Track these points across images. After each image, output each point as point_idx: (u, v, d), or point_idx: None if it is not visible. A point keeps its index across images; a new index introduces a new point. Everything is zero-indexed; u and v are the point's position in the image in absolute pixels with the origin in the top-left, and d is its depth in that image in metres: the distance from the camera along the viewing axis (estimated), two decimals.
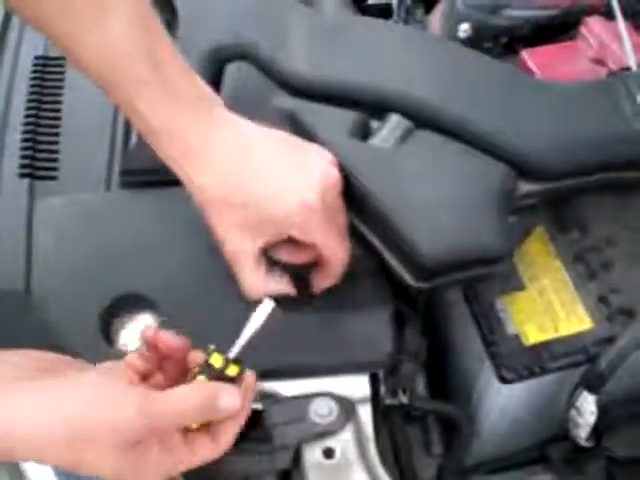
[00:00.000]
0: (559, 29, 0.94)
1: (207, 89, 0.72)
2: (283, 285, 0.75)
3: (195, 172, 0.70)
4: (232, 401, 0.61)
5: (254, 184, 0.70)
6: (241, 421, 0.64)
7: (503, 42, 0.96)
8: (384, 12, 1.03)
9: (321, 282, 0.76)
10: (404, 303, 0.80)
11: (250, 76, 0.84)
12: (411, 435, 0.87)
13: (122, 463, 0.58)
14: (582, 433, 0.77)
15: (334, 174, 0.71)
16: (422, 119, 0.77)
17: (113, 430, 0.57)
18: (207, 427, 0.63)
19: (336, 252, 0.73)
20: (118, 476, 0.60)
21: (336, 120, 0.78)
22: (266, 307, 0.64)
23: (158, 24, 0.70)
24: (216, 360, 0.62)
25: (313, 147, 0.74)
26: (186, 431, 0.62)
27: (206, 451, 0.62)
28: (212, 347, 0.62)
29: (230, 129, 0.71)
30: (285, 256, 0.75)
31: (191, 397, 0.60)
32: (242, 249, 0.72)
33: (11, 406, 0.57)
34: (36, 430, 0.56)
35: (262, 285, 0.74)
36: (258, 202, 0.69)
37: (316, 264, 0.75)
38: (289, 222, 0.70)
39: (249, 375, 0.64)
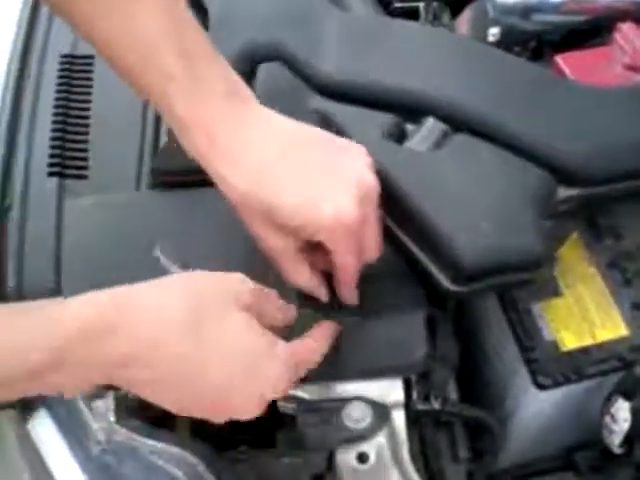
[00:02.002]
0: (588, 34, 0.94)
1: (239, 82, 0.70)
2: (317, 283, 0.74)
3: (224, 170, 0.68)
4: None
5: (287, 190, 0.67)
6: None
7: (532, 47, 0.96)
8: (411, 15, 1.03)
9: (337, 287, 0.74)
10: (436, 307, 0.79)
11: (281, 77, 0.84)
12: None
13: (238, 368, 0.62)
14: (616, 440, 0.77)
15: (371, 180, 0.69)
16: (459, 122, 0.76)
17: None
18: None
19: (348, 261, 0.71)
20: (228, 384, 0.63)
21: (371, 122, 0.77)
22: None
23: (187, 13, 0.68)
24: None
25: (350, 149, 0.71)
26: None
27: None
28: None
29: (262, 127, 0.69)
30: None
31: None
32: (277, 245, 0.71)
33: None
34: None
35: (301, 277, 0.72)
36: (291, 209, 0.67)
37: None
38: (319, 231, 0.68)
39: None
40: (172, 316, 0.61)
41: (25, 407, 0.77)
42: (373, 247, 0.72)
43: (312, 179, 0.68)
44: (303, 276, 0.73)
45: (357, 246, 0.70)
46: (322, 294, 0.74)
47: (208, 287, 0.65)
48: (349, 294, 0.74)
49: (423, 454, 0.83)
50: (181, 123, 0.68)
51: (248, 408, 0.65)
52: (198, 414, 0.64)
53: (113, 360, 0.59)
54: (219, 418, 0.65)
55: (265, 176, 0.67)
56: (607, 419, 0.76)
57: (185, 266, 0.73)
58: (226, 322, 0.63)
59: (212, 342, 0.62)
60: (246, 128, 0.68)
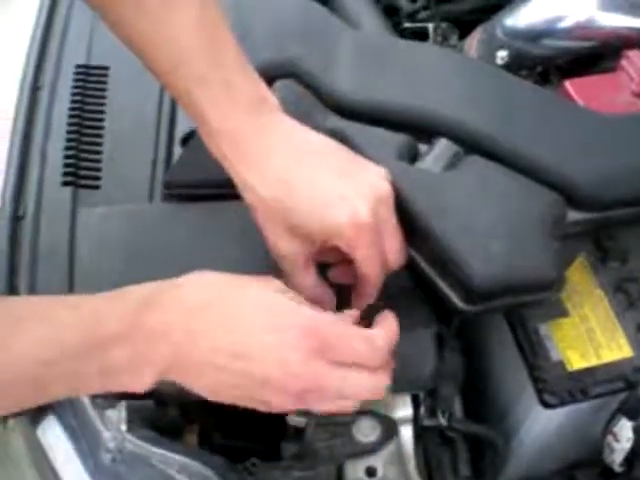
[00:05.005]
0: (594, 60, 0.96)
1: (266, 91, 0.73)
2: (322, 291, 0.75)
3: (246, 173, 0.70)
4: None
5: (304, 192, 0.69)
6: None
7: (539, 71, 0.98)
8: (420, 36, 1.05)
9: (356, 300, 0.75)
10: (442, 324, 0.80)
11: (296, 95, 0.85)
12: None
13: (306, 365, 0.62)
14: (617, 458, 0.78)
15: (386, 188, 0.71)
16: (470, 144, 0.78)
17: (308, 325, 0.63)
18: None
19: (371, 270, 0.72)
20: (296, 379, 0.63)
21: (384, 142, 0.78)
22: None
23: (223, 20, 0.70)
24: None
25: (367, 161, 0.73)
26: None
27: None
28: None
29: (284, 135, 0.71)
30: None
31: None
32: (291, 253, 0.72)
33: None
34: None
35: (307, 284, 0.73)
36: (308, 211, 0.69)
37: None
38: (337, 234, 0.69)
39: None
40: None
41: (35, 413, 0.78)
42: (395, 254, 0.73)
43: (329, 184, 0.70)
44: (308, 282, 0.73)
45: (377, 252, 0.71)
46: (327, 303, 0.74)
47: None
48: (365, 302, 0.75)
49: (427, 469, 0.84)
50: (209, 127, 0.70)
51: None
52: (239, 399, 0.64)
53: (170, 322, 0.62)
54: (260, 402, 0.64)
55: (284, 181, 0.69)
56: (610, 438, 0.77)
57: None
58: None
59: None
60: (270, 136, 0.70)
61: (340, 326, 0.65)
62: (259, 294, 0.65)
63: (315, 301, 0.73)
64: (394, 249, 0.72)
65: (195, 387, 0.64)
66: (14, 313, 0.61)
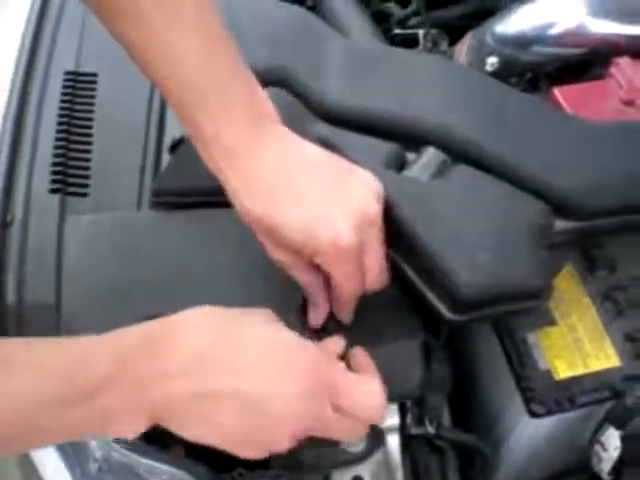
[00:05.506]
0: (583, 67, 0.96)
1: (264, 101, 0.72)
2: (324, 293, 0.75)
3: (240, 187, 0.70)
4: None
5: (292, 209, 0.69)
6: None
7: (528, 78, 0.98)
8: (410, 42, 1.05)
9: (335, 309, 0.75)
10: (430, 333, 0.80)
11: (284, 102, 0.85)
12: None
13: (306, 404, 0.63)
14: (605, 467, 0.78)
15: (375, 208, 0.70)
16: (459, 153, 0.78)
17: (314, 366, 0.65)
18: None
19: (346, 288, 0.72)
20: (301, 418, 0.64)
21: (372, 150, 0.78)
22: None
23: (223, 30, 0.70)
24: None
25: (357, 174, 0.72)
26: None
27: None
28: None
29: (278, 148, 0.71)
30: None
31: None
32: (284, 260, 0.72)
33: None
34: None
35: (309, 287, 0.74)
36: (294, 228, 0.68)
37: None
38: (320, 253, 0.69)
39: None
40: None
41: None
42: (375, 275, 0.72)
43: (315, 202, 0.69)
44: (307, 281, 0.74)
45: (356, 272, 0.71)
46: (323, 306, 0.75)
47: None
48: (344, 314, 0.75)
49: (415, 477, 0.84)
50: (202, 136, 0.70)
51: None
52: (237, 444, 0.64)
53: (168, 370, 0.60)
54: (258, 445, 0.65)
55: (273, 196, 0.69)
56: (597, 447, 0.77)
57: None
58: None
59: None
60: (264, 149, 0.70)
61: (345, 375, 0.67)
62: (257, 332, 0.65)
63: (314, 299, 0.75)
64: (374, 269, 0.72)
65: (188, 433, 0.62)
66: (4, 358, 0.59)
